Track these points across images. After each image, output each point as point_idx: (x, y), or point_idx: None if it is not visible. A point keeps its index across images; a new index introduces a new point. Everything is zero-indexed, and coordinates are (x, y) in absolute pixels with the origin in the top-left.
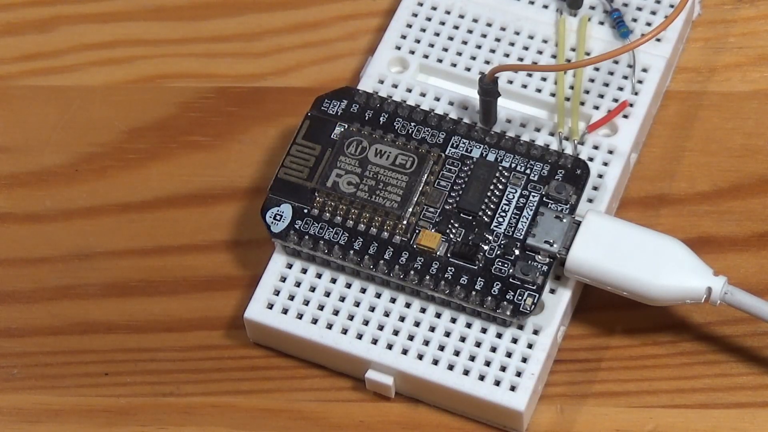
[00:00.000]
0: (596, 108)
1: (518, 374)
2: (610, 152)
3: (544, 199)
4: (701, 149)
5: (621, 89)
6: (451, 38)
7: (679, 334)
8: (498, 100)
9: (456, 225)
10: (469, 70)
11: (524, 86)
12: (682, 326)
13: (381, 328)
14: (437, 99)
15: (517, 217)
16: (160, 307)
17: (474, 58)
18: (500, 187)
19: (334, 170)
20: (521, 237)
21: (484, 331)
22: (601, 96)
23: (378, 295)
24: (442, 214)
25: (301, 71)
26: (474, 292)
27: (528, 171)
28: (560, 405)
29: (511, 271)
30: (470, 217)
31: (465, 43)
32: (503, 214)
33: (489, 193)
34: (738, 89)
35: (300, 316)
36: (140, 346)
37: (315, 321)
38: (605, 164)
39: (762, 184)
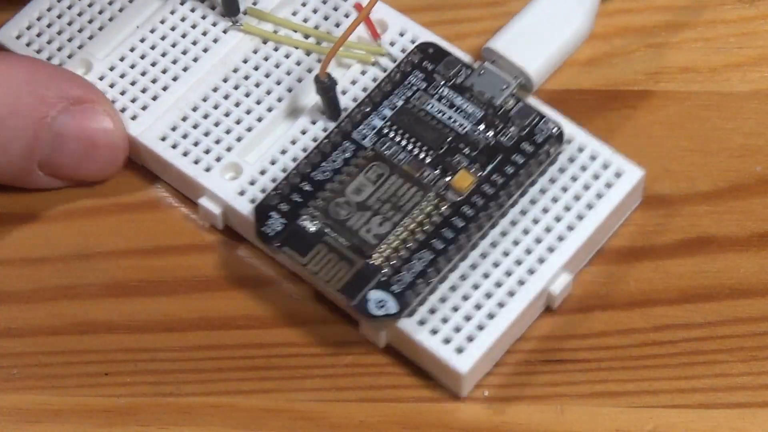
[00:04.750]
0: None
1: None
2: None
3: None
4: (701, 149)
5: None
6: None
7: (679, 334)
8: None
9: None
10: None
11: None
12: (682, 326)
13: None
14: None
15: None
16: (160, 307)
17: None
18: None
19: None
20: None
21: None
22: None
23: None
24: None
25: None
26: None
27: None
28: (560, 405)
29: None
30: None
31: None
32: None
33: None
34: (738, 89)
35: None
36: (140, 346)
37: None
38: None
39: (762, 184)
